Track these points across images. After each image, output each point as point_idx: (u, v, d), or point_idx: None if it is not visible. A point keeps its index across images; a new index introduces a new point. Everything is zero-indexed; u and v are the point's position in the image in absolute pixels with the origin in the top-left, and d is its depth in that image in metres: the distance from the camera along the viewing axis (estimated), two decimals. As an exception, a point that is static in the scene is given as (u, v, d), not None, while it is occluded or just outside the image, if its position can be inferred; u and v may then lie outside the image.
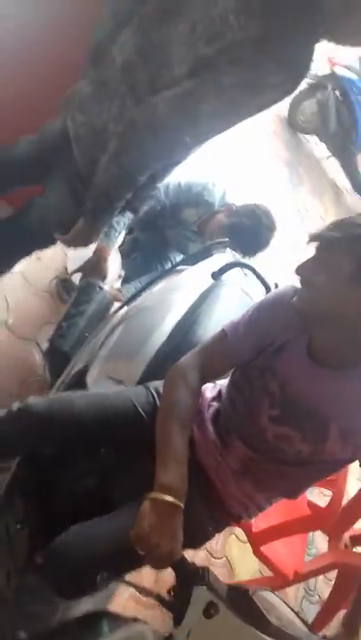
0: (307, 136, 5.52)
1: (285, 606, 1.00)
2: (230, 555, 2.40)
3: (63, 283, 2.23)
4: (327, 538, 2.50)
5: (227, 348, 1.17)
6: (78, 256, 2.14)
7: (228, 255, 1.79)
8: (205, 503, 1.16)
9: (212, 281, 1.69)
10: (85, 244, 1.51)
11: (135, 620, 1.06)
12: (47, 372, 1.85)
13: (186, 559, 0.92)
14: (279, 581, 2.12)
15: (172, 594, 0.92)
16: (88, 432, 1.21)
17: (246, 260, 1.72)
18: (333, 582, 2.48)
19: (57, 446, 1.30)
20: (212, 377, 1.21)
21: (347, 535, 2.43)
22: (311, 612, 2.69)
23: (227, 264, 1.69)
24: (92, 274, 1.91)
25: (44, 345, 2.06)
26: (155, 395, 1.26)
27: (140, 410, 1.23)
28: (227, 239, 1.81)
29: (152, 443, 1.17)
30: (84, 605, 1.36)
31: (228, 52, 1.08)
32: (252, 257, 2.16)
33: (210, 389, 1.30)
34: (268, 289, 1.73)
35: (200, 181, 2.18)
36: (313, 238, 1.05)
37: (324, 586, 2.88)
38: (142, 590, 0.92)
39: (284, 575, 2.08)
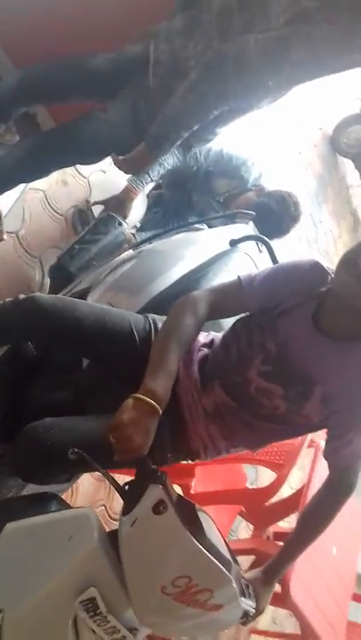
0: (345, 160, 5.57)
1: (219, 534, 1.07)
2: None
3: (80, 214, 2.25)
4: (252, 527, 2.60)
5: (239, 295, 1.22)
6: (104, 190, 2.18)
7: (249, 228, 1.84)
8: (172, 431, 1.21)
9: (228, 247, 1.74)
10: (139, 169, 1.55)
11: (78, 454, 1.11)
12: (48, 288, 1.88)
13: (148, 459, 0.98)
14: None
15: (126, 483, 0.99)
16: (81, 338, 1.25)
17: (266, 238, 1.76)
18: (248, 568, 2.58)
19: (46, 344, 1.34)
20: (218, 315, 1.26)
21: (271, 529, 2.53)
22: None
23: (248, 235, 1.75)
24: (114, 210, 1.95)
25: (46, 265, 2.10)
26: (152, 325, 1.31)
27: (135, 333, 1.27)
28: (253, 212, 1.86)
29: (136, 368, 1.22)
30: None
31: (327, 10, 1.13)
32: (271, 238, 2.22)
33: (203, 336, 1.34)
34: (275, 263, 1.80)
35: (242, 156, 2.21)
36: None
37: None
38: (103, 473, 0.98)
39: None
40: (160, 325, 1.31)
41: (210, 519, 1.06)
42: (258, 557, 2.46)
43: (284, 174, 4.30)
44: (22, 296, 1.27)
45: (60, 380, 1.47)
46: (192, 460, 1.36)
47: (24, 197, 2.01)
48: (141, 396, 1.02)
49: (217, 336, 1.34)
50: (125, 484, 0.99)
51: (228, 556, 1.01)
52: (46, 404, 1.44)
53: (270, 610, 3.03)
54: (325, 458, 1.22)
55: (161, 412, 1.02)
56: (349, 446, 1.16)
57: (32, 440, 1.12)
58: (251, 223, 1.84)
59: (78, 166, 2.30)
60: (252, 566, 2.49)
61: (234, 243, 1.73)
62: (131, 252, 1.69)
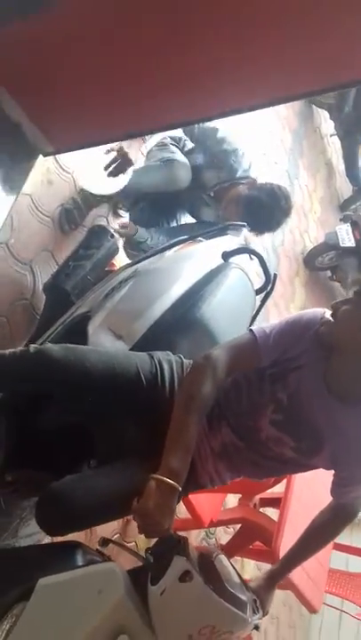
0: (320, 110, 5.48)
1: (230, 566, 1.18)
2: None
3: (67, 213, 2.23)
4: (239, 496, 2.78)
5: (255, 354, 1.26)
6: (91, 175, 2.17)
7: (240, 238, 1.87)
8: None
9: (221, 259, 1.77)
10: None
11: (106, 557, 1.21)
12: (43, 306, 1.89)
13: (171, 533, 1.07)
14: (194, 524, 2.36)
15: (150, 553, 1.08)
16: (91, 388, 1.30)
17: (257, 249, 1.80)
18: (234, 533, 2.78)
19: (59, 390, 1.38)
20: (235, 374, 1.30)
21: (257, 497, 2.73)
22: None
23: (239, 248, 1.78)
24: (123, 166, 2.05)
25: (37, 270, 2.10)
26: (157, 367, 1.35)
27: (143, 378, 1.32)
28: (245, 223, 1.88)
29: (143, 409, 1.29)
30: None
31: None
32: (259, 235, 2.26)
33: None
34: (268, 279, 1.85)
35: (233, 144, 2.21)
36: (355, 283, 1.17)
37: (222, 532, 3.20)
38: (129, 551, 1.06)
39: (202, 521, 2.31)
40: (165, 366, 1.36)
41: (224, 560, 1.16)
42: (245, 525, 2.67)
43: (259, 131, 4.25)
44: (33, 348, 1.30)
45: (66, 411, 1.52)
46: (198, 490, 1.45)
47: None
48: (163, 479, 1.09)
49: None
50: (148, 551, 1.08)
51: (243, 595, 1.12)
52: (53, 432, 1.50)
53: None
54: (331, 494, 1.33)
55: (181, 488, 1.09)
56: (356, 492, 1.27)
57: (55, 504, 1.18)
58: (242, 233, 1.86)
59: (62, 161, 2.25)
60: (240, 531, 2.71)
61: (226, 256, 1.76)
62: (130, 269, 1.71)
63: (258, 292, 1.86)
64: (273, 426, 1.27)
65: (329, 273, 4.97)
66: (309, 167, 5.21)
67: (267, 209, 2.14)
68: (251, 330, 1.28)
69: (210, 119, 1.81)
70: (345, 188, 5.92)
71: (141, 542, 2.38)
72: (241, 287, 1.74)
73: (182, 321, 1.56)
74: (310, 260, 4.80)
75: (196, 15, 1.36)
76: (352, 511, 1.34)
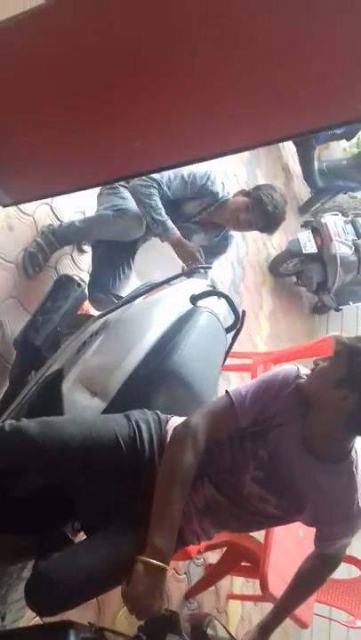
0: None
1: (225, 630, 1.19)
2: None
3: (30, 256, 2.20)
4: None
5: (233, 417, 1.28)
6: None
7: (207, 280, 1.88)
8: None
9: (189, 303, 1.78)
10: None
11: (100, 632, 1.20)
12: (13, 361, 1.87)
13: (163, 612, 1.08)
14: (182, 556, 2.37)
15: (143, 632, 1.08)
16: (71, 456, 1.29)
17: (223, 291, 1.82)
18: (222, 554, 2.81)
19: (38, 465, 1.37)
20: (214, 438, 1.31)
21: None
22: (195, 574, 3.03)
23: (206, 291, 1.78)
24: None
25: (5, 319, 2.07)
26: (135, 429, 1.35)
27: (122, 442, 1.31)
28: (210, 265, 1.89)
29: (124, 474, 1.29)
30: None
31: None
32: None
33: None
34: (237, 317, 1.86)
35: (201, 171, 2.22)
36: (335, 339, 1.20)
37: (209, 553, 3.21)
38: (123, 636, 1.06)
39: (189, 553, 2.33)
40: (143, 427, 1.36)
41: (217, 626, 1.17)
42: (230, 547, 2.70)
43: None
44: (8, 425, 1.28)
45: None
46: (184, 547, 1.46)
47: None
48: (150, 561, 1.09)
49: None
50: (139, 627, 1.08)
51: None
52: (34, 497, 1.48)
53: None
54: (315, 545, 1.36)
55: (168, 567, 1.10)
56: (339, 544, 1.30)
57: (43, 590, 1.18)
58: (209, 276, 1.87)
59: (21, 205, 2.23)
60: (226, 554, 2.74)
61: (194, 299, 1.77)
62: (97, 324, 1.69)
63: (228, 330, 1.87)
64: (255, 483, 1.29)
65: (294, 278, 5.03)
66: (267, 175, 5.27)
67: (272, 205, 2.23)
68: (227, 392, 1.30)
69: (169, 167, 1.81)
70: (303, 191, 6.00)
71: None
72: (211, 330, 1.75)
73: (156, 373, 1.56)
74: (275, 268, 4.86)
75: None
76: (337, 559, 1.38)
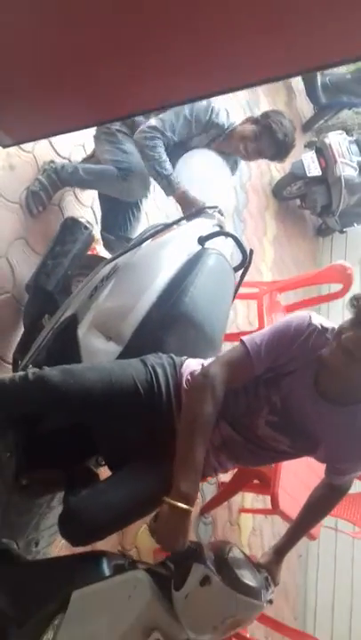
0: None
1: (242, 556, 1.29)
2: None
3: (33, 195, 2.18)
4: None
5: (249, 366, 1.32)
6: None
7: (214, 220, 1.86)
8: None
9: (197, 244, 1.78)
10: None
11: (131, 561, 1.31)
12: (25, 305, 1.90)
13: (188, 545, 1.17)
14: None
15: (171, 562, 1.19)
16: (93, 403, 1.35)
17: (230, 231, 1.81)
18: (233, 475, 2.97)
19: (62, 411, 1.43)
20: (232, 387, 1.35)
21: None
22: (208, 491, 3.21)
23: (214, 232, 1.78)
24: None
25: (14, 260, 2.08)
26: (152, 374, 1.39)
27: (140, 387, 1.36)
28: (217, 206, 1.87)
29: (143, 416, 1.36)
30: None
31: None
32: (282, 162, 2.39)
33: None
34: (244, 257, 1.87)
35: (203, 106, 2.15)
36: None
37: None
38: (152, 565, 1.16)
39: (203, 477, 2.46)
40: (159, 371, 1.41)
41: (236, 552, 1.27)
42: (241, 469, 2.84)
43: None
44: (32, 375, 1.33)
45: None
46: (203, 480, 1.55)
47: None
48: (176, 504, 1.17)
49: None
50: (167, 560, 1.18)
51: (257, 583, 1.24)
52: (59, 434, 1.57)
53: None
54: (326, 476, 1.44)
55: (192, 508, 1.18)
56: (349, 476, 1.38)
57: (75, 523, 1.27)
58: (217, 216, 1.86)
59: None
60: (237, 476, 2.89)
61: (202, 240, 1.77)
62: (107, 268, 1.71)
63: (236, 269, 1.88)
64: (268, 426, 1.35)
65: (298, 201, 4.96)
66: (269, 93, 5.06)
67: (281, 133, 2.20)
68: (242, 342, 1.33)
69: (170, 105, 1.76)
70: (306, 109, 5.79)
71: (142, 547, 2.54)
72: (220, 271, 1.76)
73: (168, 317, 1.59)
74: (278, 191, 4.78)
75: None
76: (346, 488, 1.47)
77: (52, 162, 2.24)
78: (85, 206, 2.46)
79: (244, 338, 1.34)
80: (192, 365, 1.46)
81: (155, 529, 1.18)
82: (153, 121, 2.02)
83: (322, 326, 1.32)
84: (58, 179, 2.19)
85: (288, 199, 4.90)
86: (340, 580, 4.36)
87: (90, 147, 2.43)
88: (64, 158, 2.39)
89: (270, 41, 1.35)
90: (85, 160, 2.44)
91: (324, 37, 1.31)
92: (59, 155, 2.36)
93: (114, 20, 1.35)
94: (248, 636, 2.73)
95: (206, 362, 1.48)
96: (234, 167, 2.46)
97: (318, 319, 1.33)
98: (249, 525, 3.76)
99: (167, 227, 1.76)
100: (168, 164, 2.04)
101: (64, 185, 2.24)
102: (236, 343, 1.36)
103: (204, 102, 2.14)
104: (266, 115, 2.25)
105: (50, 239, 2.07)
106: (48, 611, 1.23)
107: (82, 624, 1.20)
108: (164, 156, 2.03)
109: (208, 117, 2.12)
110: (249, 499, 3.71)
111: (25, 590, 1.33)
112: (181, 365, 1.46)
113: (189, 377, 1.42)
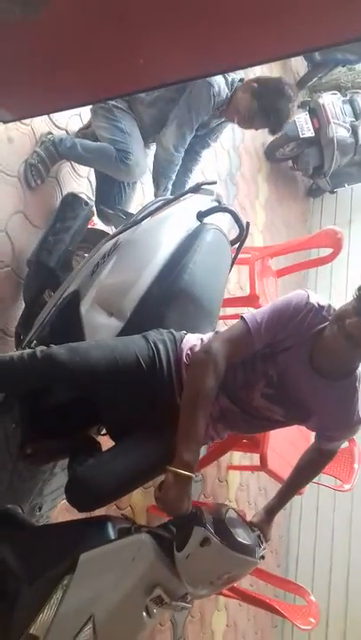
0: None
1: (237, 517, 1.41)
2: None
3: (31, 168, 2.19)
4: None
5: (250, 343, 1.39)
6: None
7: (213, 195, 1.90)
8: None
9: (196, 220, 1.82)
10: None
11: (131, 521, 1.42)
12: (25, 279, 1.94)
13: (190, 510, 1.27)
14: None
15: (173, 525, 1.29)
16: (98, 379, 1.43)
17: (229, 206, 1.86)
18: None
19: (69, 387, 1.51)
20: (232, 363, 1.42)
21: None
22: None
23: (212, 207, 1.82)
24: None
25: (13, 234, 2.11)
26: (154, 349, 1.47)
27: (142, 363, 1.44)
28: (215, 181, 1.91)
29: (146, 389, 1.44)
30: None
31: None
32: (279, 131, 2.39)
33: (198, 347, 1.53)
34: (241, 231, 1.92)
35: (204, 100, 2.16)
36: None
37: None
38: (156, 528, 1.27)
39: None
40: (160, 347, 1.48)
41: (232, 514, 1.38)
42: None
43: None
44: (40, 352, 1.40)
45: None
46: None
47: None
48: (179, 471, 1.26)
49: None
50: (169, 523, 1.30)
51: (250, 541, 1.36)
52: (62, 405, 1.65)
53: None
54: (316, 441, 1.55)
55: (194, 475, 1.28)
56: (338, 442, 1.49)
57: (82, 490, 1.37)
58: (215, 192, 1.89)
59: (18, 114, 2.17)
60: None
61: (201, 216, 1.81)
62: (109, 244, 1.75)
63: (233, 242, 1.94)
64: (264, 398, 1.44)
65: (290, 163, 4.96)
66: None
67: (281, 112, 2.23)
68: (243, 319, 1.40)
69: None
70: (300, 66, 5.69)
71: (136, 506, 2.66)
72: (218, 246, 1.82)
73: (168, 293, 1.65)
74: (271, 153, 4.77)
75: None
76: (334, 452, 1.58)
77: (50, 134, 2.24)
78: (82, 177, 2.47)
79: (245, 315, 1.41)
80: (191, 341, 1.53)
81: (160, 497, 1.28)
82: (174, 140, 2.18)
83: (318, 305, 1.40)
84: (56, 151, 2.20)
85: (281, 161, 4.89)
86: (321, 530, 4.61)
87: (86, 116, 2.42)
88: (61, 129, 2.38)
89: (272, 24, 1.37)
90: (82, 130, 2.44)
91: (324, 20, 1.34)
92: (55, 125, 2.35)
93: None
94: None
95: (205, 336, 1.56)
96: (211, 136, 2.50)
97: (315, 298, 1.41)
98: (236, 481, 3.94)
99: (167, 203, 1.80)
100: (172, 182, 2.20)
101: (62, 158, 2.25)
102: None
103: (204, 94, 2.14)
104: (260, 91, 2.20)
105: (48, 212, 2.10)
106: (57, 572, 1.33)
107: (89, 584, 1.31)
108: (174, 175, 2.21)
109: (213, 103, 2.15)
110: (237, 456, 3.87)
111: (35, 553, 1.43)
112: (181, 341, 1.53)
113: (189, 352, 1.50)
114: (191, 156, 2.45)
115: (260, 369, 1.44)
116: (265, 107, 2.19)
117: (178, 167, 2.24)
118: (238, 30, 1.42)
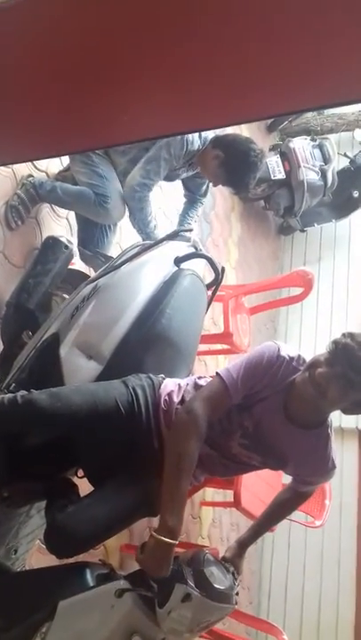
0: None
1: (215, 562, 1.42)
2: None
3: (12, 209, 2.23)
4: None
5: (227, 399, 1.44)
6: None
7: (189, 242, 1.96)
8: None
9: (173, 265, 1.88)
10: None
11: (109, 566, 1.43)
12: (2, 319, 1.96)
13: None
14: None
15: (153, 582, 1.31)
16: (78, 424, 1.45)
17: (204, 252, 1.92)
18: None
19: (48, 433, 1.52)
20: (213, 420, 1.46)
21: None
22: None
23: (189, 254, 1.89)
24: None
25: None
26: (133, 395, 1.50)
27: (122, 408, 1.47)
28: (191, 227, 1.98)
29: (124, 434, 1.46)
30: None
31: None
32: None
33: (175, 393, 1.56)
34: (217, 276, 1.99)
35: (178, 141, 2.21)
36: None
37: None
38: (140, 592, 1.28)
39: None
40: (139, 392, 1.51)
41: (210, 560, 1.40)
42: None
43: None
44: (21, 398, 1.41)
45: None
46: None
47: None
48: (162, 539, 1.28)
49: (188, 390, 1.56)
50: (150, 580, 1.31)
51: (227, 585, 1.37)
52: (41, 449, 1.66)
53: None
54: (292, 484, 1.60)
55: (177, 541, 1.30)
56: (313, 486, 1.54)
57: (62, 537, 1.38)
58: (192, 238, 1.96)
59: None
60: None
61: (178, 261, 1.87)
62: (88, 288, 1.79)
63: (209, 286, 2.00)
64: (241, 447, 1.49)
65: (262, 203, 5.10)
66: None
67: (243, 175, 2.30)
68: (219, 375, 1.45)
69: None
70: (272, 109, 5.90)
71: (109, 545, 2.66)
72: (195, 291, 1.87)
73: (147, 337, 1.69)
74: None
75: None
76: (310, 494, 1.64)
77: (31, 176, 2.29)
78: (61, 217, 2.52)
79: (221, 371, 1.46)
80: (169, 386, 1.57)
81: (142, 560, 1.30)
82: (138, 177, 2.11)
83: (289, 356, 1.46)
84: (36, 194, 2.25)
85: (253, 200, 5.03)
86: (293, 566, 4.60)
87: (65, 159, 2.49)
88: (41, 171, 2.44)
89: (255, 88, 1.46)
90: (61, 172, 2.50)
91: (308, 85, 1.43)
92: (36, 167, 2.41)
93: (91, 58, 1.42)
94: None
95: (183, 382, 1.60)
96: (200, 189, 2.56)
97: (285, 350, 1.47)
98: (209, 517, 3.93)
99: (145, 249, 1.85)
100: (152, 224, 2.18)
101: (42, 201, 2.30)
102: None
103: (178, 140, 2.20)
104: (227, 153, 2.25)
105: (27, 252, 2.13)
106: (35, 619, 1.33)
107: (67, 631, 1.31)
108: (150, 217, 2.19)
109: (185, 150, 2.20)
110: (210, 492, 3.87)
111: (12, 599, 1.43)
112: (160, 386, 1.57)
113: (167, 397, 1.54)
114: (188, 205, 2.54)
115: (235, 420, 1.48)
116: (229, 170, 2.26)
117: (145, 206, 2.21)
118: (222, 93, 1.50)
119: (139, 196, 2.16)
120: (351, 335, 1.38)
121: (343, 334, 1.40)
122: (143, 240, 2.21)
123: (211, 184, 2.50)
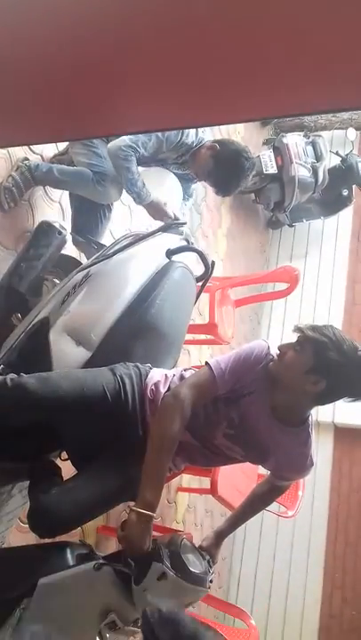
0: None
1: (191, 546, 1.48)
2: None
3: (6, 191, 2.23)
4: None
5: (214, 388, 1.49)
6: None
7: (182, 235, 2.00)
8: None
9: (165, 257, 1.91)
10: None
11: (88, 547, 1.47)
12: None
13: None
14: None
15: (130, 560, 1.35)
16: (66, 409, 1.48)
17: (196, 246, 1.96)
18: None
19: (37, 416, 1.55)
20: (198, 407, 1.51)
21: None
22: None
23: (182, 246, 1.92)
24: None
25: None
26: (120, 383, 1.54)
27: (109, 395, 1.51)
28: (184, 222, 2.01)
29: (110, 420, 1.50)
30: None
31: None
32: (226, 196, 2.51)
33: (162, 384, 1.60)
34: (207, 269, 2.03)
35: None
36: (296, 330, 1.41)
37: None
38: (121, 566, 1.33)
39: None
40: (126, 381, 1.55)
41: (187, 544, 1.45)
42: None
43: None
44: (10, 381, 1.45)
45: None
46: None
47: None
48: (141, 511, 1.34)
49: (175, 382, 1.61)
50: (128, 557, 1.36)
51: (202, 569, 1.43)
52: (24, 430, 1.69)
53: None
54: (271, 477, 1.66)
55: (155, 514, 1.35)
56: (290, 481, 1.60)
57: (45, 518, 1.42)
58: (184, 231, 1.99)
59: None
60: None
61: (170, 254, 1.90)
62: (80, 275, 1.82)
63: (198, 279, 2.03)
64: (225, 438, 1.54)
65: (253, 196, 5.13)
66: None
67: (232, 177, 2.28)
68: (208, 365, 1.50)
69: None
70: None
71: (86, 526, 2.61)
72: (185, 283, 1.91)
73: (135, 326, 1.72)
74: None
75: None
76: (286, 488, 1.70)
77: (27, 159, 2.29)
78: (54, 201, 2.53)
79: (210, 362, 1.50)
80: (156, 376, 1.61)
81: (123, 535, 1.35)
82: (127, 139, 2.10)
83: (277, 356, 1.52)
84: (32, 177, 2.25)
85: (244, 193, 5.06)
86: (264, 554, 4.72)
87: (61, 144, 2.49)
88: (36, 154, 2.44)
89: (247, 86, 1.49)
90: (57, 156, 2.50)
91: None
92: (31, 150, 2.41)
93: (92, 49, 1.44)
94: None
95: (169, 372, 1.65)
96: (188, 190, 2.58)
97: (274, 349, 1.53)
98: (185, 503, 4.01)
99: (138, 239, 1.88)
100: (140, 182, 2.14)
101: (37, 184, 2.30)
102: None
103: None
104: (220, 155, 2.27)
105: (19, 235, 2.14)
106: (14, 595, 1.37)
107: (46, 608, 1.36)
108: (137, 175, 2.12)
109: (179, 138, 2.22)
110: (186, 478, 3.94)
111: (-8, 577, 1.47)
112: (146, 376, 1.61)
113: (153, 387, 1.58)
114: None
115: (222, 411, 1.53)
116: (218, 171, 2.27)
117: (131, 166, 2.14)
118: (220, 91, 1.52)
119: (124, 155, 2.11)
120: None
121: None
122: (134, 200, 2.21)
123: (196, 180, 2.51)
